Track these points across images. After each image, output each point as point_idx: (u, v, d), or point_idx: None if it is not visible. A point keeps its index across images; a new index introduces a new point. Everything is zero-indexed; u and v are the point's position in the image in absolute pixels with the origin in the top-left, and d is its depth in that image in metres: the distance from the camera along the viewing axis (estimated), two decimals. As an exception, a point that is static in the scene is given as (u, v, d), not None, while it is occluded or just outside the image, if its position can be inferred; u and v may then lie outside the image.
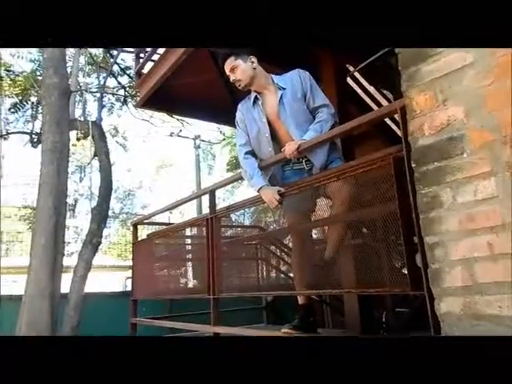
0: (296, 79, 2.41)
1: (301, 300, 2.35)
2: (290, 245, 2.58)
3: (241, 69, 2.39)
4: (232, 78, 2.41)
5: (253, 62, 2.42)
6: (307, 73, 2.44)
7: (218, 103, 4.63)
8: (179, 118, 9.41)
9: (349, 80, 4.20)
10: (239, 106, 2.56)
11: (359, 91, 4.45)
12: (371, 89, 4.50)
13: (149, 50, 4.81)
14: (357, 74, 4.29)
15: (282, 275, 3.56)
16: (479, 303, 1.18)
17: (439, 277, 1.30)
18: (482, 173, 1.19)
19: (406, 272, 1.61)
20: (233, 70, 2.40)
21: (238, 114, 2.55)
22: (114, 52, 7.34)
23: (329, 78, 3.43)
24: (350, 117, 2.29)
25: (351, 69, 4.08)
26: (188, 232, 3.68)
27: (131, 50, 6.78)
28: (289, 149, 2.25)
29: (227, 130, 12.67)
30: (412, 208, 1.47)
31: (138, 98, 4.99)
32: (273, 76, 2.49)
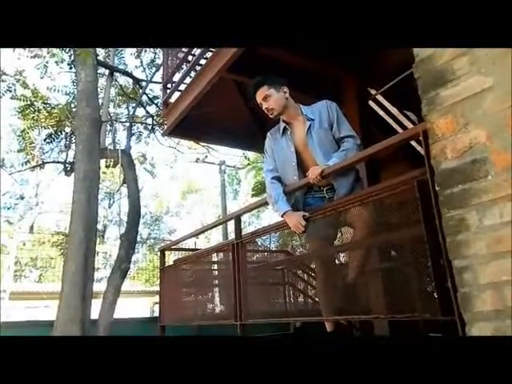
0: (323, 110, 2.48)
1: (329, 327, 2.33)
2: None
3: (274, 98, 2.46)
4: (265, 106, 2.48)
5: (285, 92, 2.50)
6: (334, 104, 2.52)
7: (242, 130, 4.76)
8: (205, 144, 9.60)
9: (371, 103, 4.24)
10: (268, 135, 2.66)
11: (382, 113, 4.47)
12: (394, 110, 4.50)
13: (176, 80, 5.00)
14: (379, 97, 4.32)
15: (310, 300, 3.51)
16: (511, 328, 1.15)
17: (469, 301, 1.26)
18: (507, 195, 1.18)
19: (436, 296, 1.58)
20: (265, 98, 2.47)
21: (267, 142, 2.64)
22: (143, 83, 7.61)
23: (351, 101, 3.48)
24: (372, 139, 2.31)
25: (373, 92, 4.11)
26: (214, 257, 3.71)
27: (159, 80, 7.03)
28: (312, 173, 2.30)
29: (251, 155, 12.83)
30: (438, 231, 1.46)
31: (165, 127, 5.15)
32: (301, 106, 2.56)
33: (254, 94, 2.51)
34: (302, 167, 2.49)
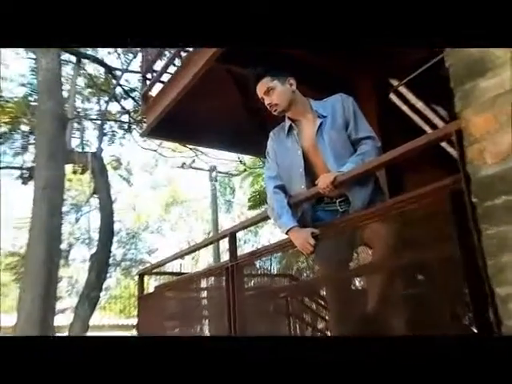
0: (338, 105, 2.47)
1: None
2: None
3: (278, 91, 2.46)
4: (267, 101, 2.48)
5: (291, 85, 2.49)
6: (351, 98, 2.50)
7: (238, 130, 4.77)
8: (192, 146, 9.62)
9: (391, 96, 4.25)
10: (271, 134, 2.65)
11: (405, 108, 4.49)
12: (420, 105, 4.52)
13: (158, 69, 5.01)
14: (402, 89, 4.33)
15: (320, 335, 3.49)
16: None
17: (516, 337, 1.26)
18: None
19: (475, 330, 1.58)
20: (268, 92, 2.46)
21: (270, 143, 2.63)
22: (118, 73, 7.65)
23: (366, 95, 3.45)
24: (394, 141, 2.29)
25: (394, 83, 4.12)
26: (204, 283, 3.69)
27: (137, 69, 7.06)
28: (323, 181, 2.27)
29: (248, 159, 12.85)
30: (476, 252, 1.45)
31: (145, 125, 5.16)
32: (311, 101, 2.55)
33: (254, 86, 2.51)
34: (311, 174, 2.48)
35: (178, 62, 4.90)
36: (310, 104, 2.54)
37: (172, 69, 4.65)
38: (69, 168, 7.20)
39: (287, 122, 2.56)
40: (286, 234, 2.40)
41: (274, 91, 2.46)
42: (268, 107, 2.51)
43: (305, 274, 3.12)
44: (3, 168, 8.06)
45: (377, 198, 2.37)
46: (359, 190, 2.36)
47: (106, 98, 7.99)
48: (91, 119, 8.00)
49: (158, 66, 5.25)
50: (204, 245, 4.17)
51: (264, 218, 2.99)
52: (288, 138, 2.55)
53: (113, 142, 8.52)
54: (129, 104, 8.48)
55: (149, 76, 5.32)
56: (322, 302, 3.23)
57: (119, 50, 8.60)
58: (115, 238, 13.40)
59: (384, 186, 2.88)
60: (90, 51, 7.83)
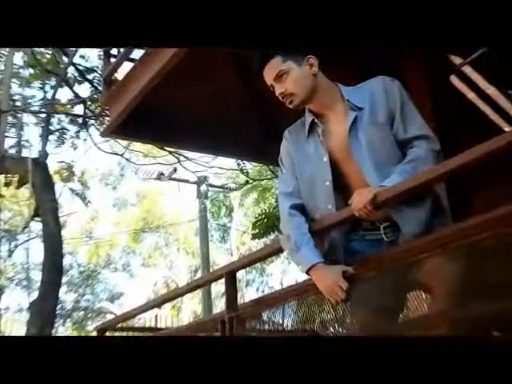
0: (379, 93, 2.47)
1: None
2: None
3: (293, 76, 2.45)
4: (279, 90, 2.47)
5: (311, 66, 2.49)
6: (397, 82, 2.51)
7: (237, 127, 4.76)
8: (173, 150, 9.54)
9: (452, 79, 4.25)
10: (286, 135, 2.66)
11: (471, 96, 4.47)
12: (491, 90, 4.51)
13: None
14: (466, 69, 4.33)
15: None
16: None
17: None
18: None
19: None
20: (280, 77, 2.45)
21: (284, 147, 2.65)
22: (71, 49, 7.69)
23: (416, 77, 3.40)
24: (456, 140, 2.26)
25: (457, 61, 4.13)
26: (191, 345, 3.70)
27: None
28: (358, 200, 2.25)
29: (252, 168, 12.73)
30: None
31: (107, 120, 5.15)
32: (342, 88, 2.56)
33: (260, 69, 2.51)
34: (343, 189, 2.47)
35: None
36: (340, 91, 2.54)
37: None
38: (0, 179, 7.23)
39: (308, 118, 2.56)
40: (307, 273, 2.38)
41: (289, 76, 2.45)
42: (281, 98, 2.50)
43: (332, 330, 3.11)
44: None
45: (436, 222, 2.36)
46: (410, 211, 2.35)
47: (54, 83, 7.99)
48: (32, 111, 8.00)
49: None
50: (190, 288, 4.12)
51: (275, 250, 2.99)
52: (309, 140, 2.55)
53: (62, 144, 8.47)
54: (85, 90, 8.49)
55: (113, 52, 5.28)
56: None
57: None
58: (64, 279, 13.33)
59: (444, 204, 2.84)
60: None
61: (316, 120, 2.53)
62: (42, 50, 8.15)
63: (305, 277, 2.47)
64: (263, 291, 23.41)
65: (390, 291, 2.31)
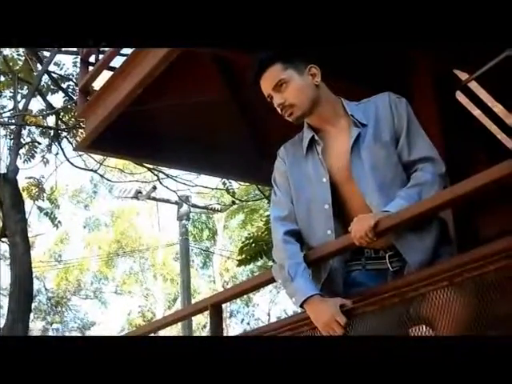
0: (384, 110, 2.51)
1: None
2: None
3: (295, 85, 2.46)
4: (278, 100, 2.47)
5: (314, 76, 2.50)
6: (403, 100, 2.54)
7: (224, 144, 4.81)
8: (152, 167, 9.57)
9: (458, 95, 4.28)
10: (281, 152, 2.68)
11: (477, 113, 4.50)
12: (498, 108, 4.55)
13: (106, 50, 4.95)
14: (472, 84, 4.36)
15: None
16: None
17: None
18: None
19: None
20: (279, 86, 2.46)
21: (279, 165, 2.66)
22: (45, 54, 7.63)
23: (424, 93, 3.42)
24: (465, 162, 2.19)
25: (463, 77, 4.20)
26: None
27: (73, 49, 6.97)
28: (358, 227, 2.26)
29: (239, 187, 12.79)
30: None
31: (82, 133, 5.11)
32: (345, 102, 2.57)
33: (257, 78, 2.51)
34: (343, 213, 2.50)
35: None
36: (343, 106, 2.56)
37: (127, 50, 4.67)
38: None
39: (307, 134, 2.57)
40: (301, 306, 2.38)
41: (289, 85, 2.46)
42: (279, 109, 2.50)
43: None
44: None
45: (442, 250, 2.39)
46: (415, 239, 2.37)
47: (26, 92, 7.94)
48: (2, 123, 7.90)
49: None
50: (169, 321, 4.05)
51: (265, 281, 2.99)
52: (308, 158, 2.57)
53: (32, 158, 8.40)
54: (58, 100, 8.45)
55: (92, 60, 5.30)
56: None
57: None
58: (34, 304, 13.11)
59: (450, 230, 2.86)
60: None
61: (316, 136, 2.55)
62: (14, 55, 8.07)
63: (295, 308, 2.50)
64: (248, 323, 23.57)
65: (392, 326, 2.31)
